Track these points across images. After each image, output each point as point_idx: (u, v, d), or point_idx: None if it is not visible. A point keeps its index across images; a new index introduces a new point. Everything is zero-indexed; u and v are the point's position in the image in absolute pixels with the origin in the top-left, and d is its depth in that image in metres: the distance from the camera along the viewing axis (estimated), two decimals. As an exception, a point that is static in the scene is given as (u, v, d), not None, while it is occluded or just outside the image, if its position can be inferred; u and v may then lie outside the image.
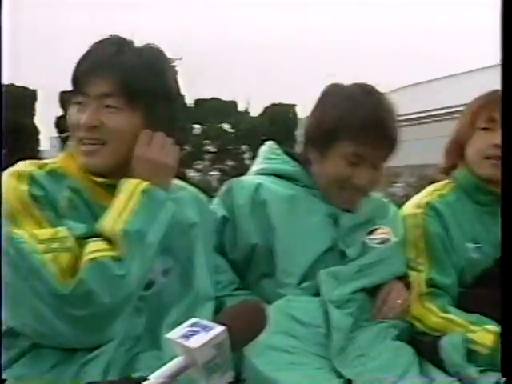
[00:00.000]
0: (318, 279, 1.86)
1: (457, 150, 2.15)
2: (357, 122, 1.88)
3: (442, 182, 2.21)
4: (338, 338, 1.75)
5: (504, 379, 1.66)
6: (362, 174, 1.93)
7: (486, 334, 1.83)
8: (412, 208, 2.14)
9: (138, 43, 1.72)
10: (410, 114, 24.92)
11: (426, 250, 2.06)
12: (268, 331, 1.42)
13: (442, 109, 22.40)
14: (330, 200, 1.97)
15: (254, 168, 2.10)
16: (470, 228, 2.10)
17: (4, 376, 1.52)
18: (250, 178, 2.04)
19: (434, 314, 1.96)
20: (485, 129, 2.08)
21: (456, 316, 1.94)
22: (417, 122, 24.45)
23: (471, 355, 1.82)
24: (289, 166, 2.04)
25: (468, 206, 2.13)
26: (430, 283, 2.04)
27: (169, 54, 1.76)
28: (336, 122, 1.89)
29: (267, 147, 2.11)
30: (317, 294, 1.85)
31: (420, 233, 2.08)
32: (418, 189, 2.24)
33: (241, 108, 22.08)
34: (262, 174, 2.04)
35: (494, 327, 1.83)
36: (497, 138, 1.99)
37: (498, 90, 2.00)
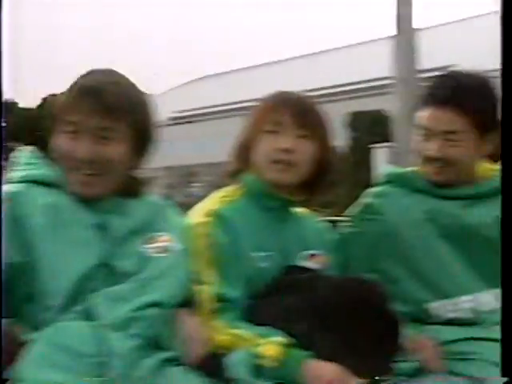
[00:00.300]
0: (91, 301, 1.64)
1: (244, 153, 2.04)
2: (68, 91, 1.76)
3: (230, 188, 2.08)
4: (119, 366, 1.53)
5: (504, 379, 1.67)
6: (81, 147, 1.73)
7: (271, 346, 1.73)
8: (199, 216, 1.97)
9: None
10: (204, 107, 24.75)
11: (214, 262, 1.91)
12: (32, 365, 1.38)
13: (240, 103, 21.37)
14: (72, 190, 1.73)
15: (11, 175, 1.81)
16: (259, 236, 1.98)
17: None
18: (5, 188, 1.75)
19: (221, 332, 1.83)
20: (270, 132, 1.98)
21: (244, 331, 1.82)
22: (211, 117, 23.74)
23: (259, 369, 1.72)
24: (49, 171, 1.78)
25: (256, 212, 2.01)
26: (218, 298, 1.87)
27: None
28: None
29: (25, 152, 1.85)
30: (91, 317, 1.62)
31: (208, 243, 1.92)
32: (218, 187, 2.11)
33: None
34: (20, 182, 1.77)
35: (280, 338, 1.75)
36: (283, 141, 1.95)
37: (285, 92, 2.04)
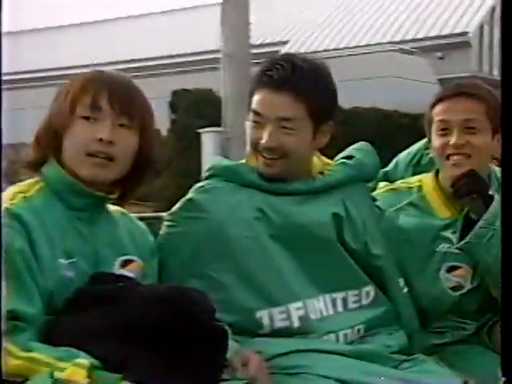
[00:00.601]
0: None
1: (51, 140, 1.75)
2: None
3: (26, 182, 1.78)
4: None
5: (504, 379, 1.56)
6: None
7: (77, 369, 1.49)
8: None
9: None
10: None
11: (8, 273, 1.59)
12: None
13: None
14: None
15: None
16: (62, 240, 1.69)
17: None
18: None
19: (13, 355, 1.55)
20: (85, 118, 1.72)
21: (41, 353, 1.55)
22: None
23: None
24: None
25: (59, 212, 1.72)
26: (11, 315, 1.58)
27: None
28: None
29: None
30: None
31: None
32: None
33: None
34: None
35: (84, 360, 1.51)
36: (98, 130, 1.70)
37: (104, 72, 1.81)
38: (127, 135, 1.74)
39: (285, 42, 22.72)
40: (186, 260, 1.93)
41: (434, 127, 2.17)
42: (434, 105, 2.18)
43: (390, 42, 21.73)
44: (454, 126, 2.12)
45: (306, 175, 1.99)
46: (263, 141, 1.91)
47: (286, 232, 1.93)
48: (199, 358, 1.59)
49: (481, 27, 24.87)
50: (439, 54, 22.61)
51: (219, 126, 9.33)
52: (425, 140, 2.39)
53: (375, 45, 21.17)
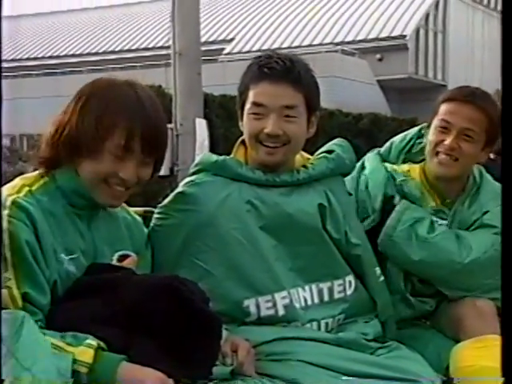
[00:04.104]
0: None
1: (69, 151, 1.71)
2: None
3: (31, 174, 1.76)
4: None
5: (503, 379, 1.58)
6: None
7: (85, 349, 1.50)
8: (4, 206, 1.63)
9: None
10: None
11: (16, 262, 1.59)
12: None
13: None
14: None
15: None
16: (62, 236, 1.69)
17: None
18: None
19: None
20: (115, 155, 1.70)
21: (51, 338, 1.53)
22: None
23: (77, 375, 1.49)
24: None
25: (61, 207, 1.71)
26: (24, 298, 1.58)
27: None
28: None
29: None
30: None
31: (7, 240, 1.59)
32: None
33: None
34: None
35: (91, 341, 1.52)
36: (122, 169, 1.69)
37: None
38: (147, 170, 1.75)
39: (230, 40, 22.73)
40: (177, 251, 1.95)
41: (436, 122, 2.26)
42: (444, 100, 2.27)
43: (331, 43, 21.96)
44: (453, 129, 2.21)
45: (292, 167, 2.05)
46: (268, 129, 1.95)
47: (275, 222, 1.97)
48: (197, 344, 1.60)
49: (417, 31, 25.35)
50: (378, 56, 22.97)
51: (170, 122, 9.28)
52: (418, 128, 2.49)
53: (317, 45, 21.37)
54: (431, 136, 2.26)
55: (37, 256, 1.62)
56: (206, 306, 1.66)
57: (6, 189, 1.68)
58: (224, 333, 1.73)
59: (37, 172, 1.75)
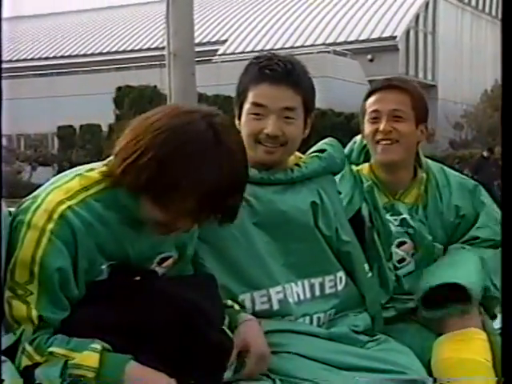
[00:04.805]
0: None
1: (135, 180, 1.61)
2: None
3: (92, 176, 1.66)
4: None
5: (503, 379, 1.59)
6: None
7: (90, 353, 1.49)
8: (43, 215, 1.56)
9: None
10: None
11: (41, 282, 1.55)
12: None
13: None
14: None
15: None
16: (109, 243, 1.63)
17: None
18: None
19: (31, 359, 1.53)
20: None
21: (56, 347, 1.53)
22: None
23: (79, 381, 1.49)
24: None
25: (113, 216, 1.64)
26: (38, 319, 1.56)
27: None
28: None
29: None
30: None
31: (40, 253, 1.54)
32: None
33: None
34: None
35: (96, 345, 1.51)
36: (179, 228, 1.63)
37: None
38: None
39: (223, 42, 22.73)
40: None
41: (367, 117, 2.36)
42: (367, 97, 2.38)
43: (323, 44, 21.98)
44: (383, 115, 2.32)
45: (286, 166, 2.07)
46: (268, 130, 1.96)
47: (269, 219, 1.98)
48: (201, 369, 1.59)
49: (407, 32, 25.42)
50: (369, 57, 23.01)
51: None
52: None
53: (309, 46, 21.38)
54: (366, 130, 2.35)
55: (66, 283, 1.56)
56: (218, 335, 1.64)
57: (60, 189, 1.60)
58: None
59: (97, 173, 1.65)
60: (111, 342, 1.53)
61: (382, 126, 2.29)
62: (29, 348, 1.53)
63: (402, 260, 2.36)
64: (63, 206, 1.55)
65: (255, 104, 1.98)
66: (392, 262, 2.30)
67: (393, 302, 2.28)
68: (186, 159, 1.49)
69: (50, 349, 1.52)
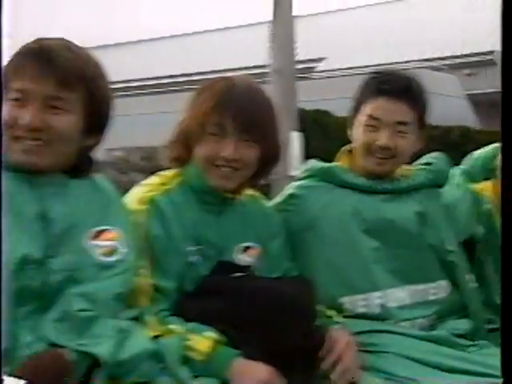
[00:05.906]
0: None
1: (185, 144, 1.83)
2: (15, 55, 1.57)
3: (168, 174, 1.88)
4: None
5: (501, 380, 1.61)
6: (27, 115, 1.53)
7: (202, 339, 1.61)
8: (134, 203, 1.77)
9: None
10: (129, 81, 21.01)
11: (148, 253, 1.71)
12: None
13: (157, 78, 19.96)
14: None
15: None
16: (192, 229, 1.79)
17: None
18: None
19: (152, 327, 1.64)
20: (213, 134, 1.77)
21: (176, 326, 1.66)
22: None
23: (188, 361, 1.59)
24: None
25: (193, 204, 1.82)
26: (153, 289, 1.71)
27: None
28: None
29: None
30: None
31: (142, 232, 1.71)
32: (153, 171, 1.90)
33: None
34: None
35: (211, 334, 1.62)
36: (223, 147, 1.76)
37: (228, 83, 1.79)
38: (248, 150, 1.79)
39: (321, 59, 22.77)
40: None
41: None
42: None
43: (420, 60, 21.66)
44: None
45: (393, 176, 2.12)
46: (381, 142, 2.02)
47: (377, 226, 2.03)
48: (297, 365, 1.66)
49: (505, 46, 24.58)
50: (467, 71, 22.50)
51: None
52: (496, 145, 2.35)
53: (406, 62, 21.12)
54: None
55: (165, 248, 1.74)
56: (314, 333, 1.71)
57: (144, 185, 1.83)
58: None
59: (174, 172, 1.87)
60: (217, 329, 1.63)
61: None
62: (150, 320, 1.65)
63: None
64: (150, 194, 1.78)
65: (371, 117, 2.04)
66: None
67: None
68: (206, 93, 1.81)
69: (170, 326, 1.64)
